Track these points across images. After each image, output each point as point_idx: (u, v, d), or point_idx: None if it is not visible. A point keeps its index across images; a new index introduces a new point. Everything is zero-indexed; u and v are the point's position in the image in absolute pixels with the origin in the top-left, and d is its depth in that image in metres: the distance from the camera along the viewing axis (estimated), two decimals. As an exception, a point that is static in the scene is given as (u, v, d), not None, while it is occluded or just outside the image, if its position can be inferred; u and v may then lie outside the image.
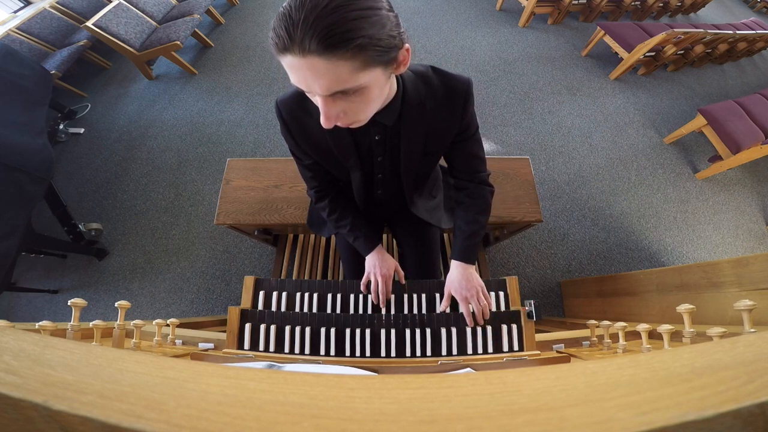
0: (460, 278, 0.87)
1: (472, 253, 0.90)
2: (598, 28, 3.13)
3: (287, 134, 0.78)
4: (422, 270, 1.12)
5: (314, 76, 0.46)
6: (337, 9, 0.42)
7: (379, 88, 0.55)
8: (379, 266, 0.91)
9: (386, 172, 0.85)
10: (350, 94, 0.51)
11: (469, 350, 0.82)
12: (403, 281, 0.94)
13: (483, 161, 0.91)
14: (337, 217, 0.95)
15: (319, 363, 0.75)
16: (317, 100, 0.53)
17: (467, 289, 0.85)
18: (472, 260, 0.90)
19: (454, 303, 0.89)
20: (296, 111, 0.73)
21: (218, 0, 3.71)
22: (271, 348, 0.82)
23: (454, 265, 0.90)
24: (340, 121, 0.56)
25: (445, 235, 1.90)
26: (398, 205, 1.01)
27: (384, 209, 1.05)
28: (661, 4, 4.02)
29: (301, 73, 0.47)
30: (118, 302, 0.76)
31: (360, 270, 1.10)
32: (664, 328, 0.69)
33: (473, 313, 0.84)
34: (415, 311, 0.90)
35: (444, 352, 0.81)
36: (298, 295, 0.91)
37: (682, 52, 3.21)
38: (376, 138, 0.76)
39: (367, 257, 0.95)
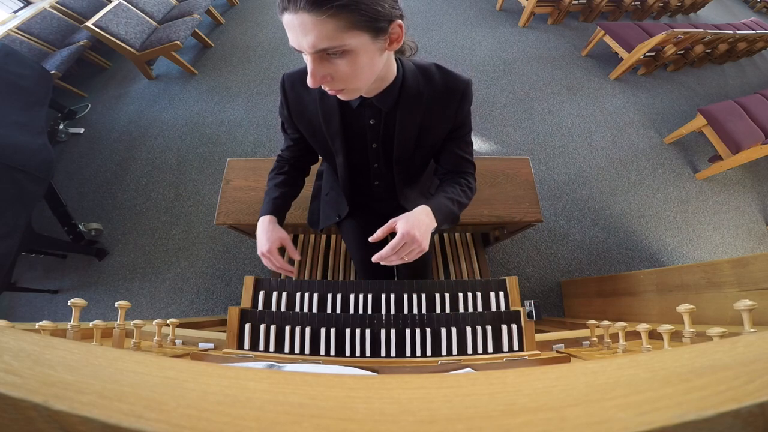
0: (417, 221, 0.68)
1: (441, 211, 0.75)
2: (598, 28, 3.13)
3: (284, 104, 0.81)
4: (416, 269, 1.13)
5: (303, 31, 0.51)
6: None
7: (367, 57, 0.56)
8: (260, 244, 0.83)
9: (381, 162, 0.86)
10: (336, 56, 0.54)
11: (469, 350, 0.81)
12: (297, 257, 0.85)
13: (472, 164, 0.89)
14: (274, 175, 0.93)
15: (319, 363, 0.75)
16: (309, 63, 0.56)
17: (412, 236, 0.66)
18: (438, 216, 0.74)
19: (454, 303, 0.90)
20: (297, 84, 0.77)
21: (218, 0, 3.71)
22: (271, 348, 0.82)
23: (421, 209, 0.72)
24: (327, 84, 0.59)
25: (446, 236, 1.90)
26: (398, 202, 1.01)
27: (384, 204, 1.06)
28: (661, 4, 4.02)
29: (294, 30, 0.51)
30: (118, 302, 0.76)
31: (367, 257, 1.11)
32: (664, 328, 0.69)
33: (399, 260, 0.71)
34: (415, 311, 0.90)
35: (444, 352, 0.81)
36: (298, 295, 0.91)
37: (682, 52, 3.21)
38: (371, 122, 0.77)
39: (260, 223, 0.87)
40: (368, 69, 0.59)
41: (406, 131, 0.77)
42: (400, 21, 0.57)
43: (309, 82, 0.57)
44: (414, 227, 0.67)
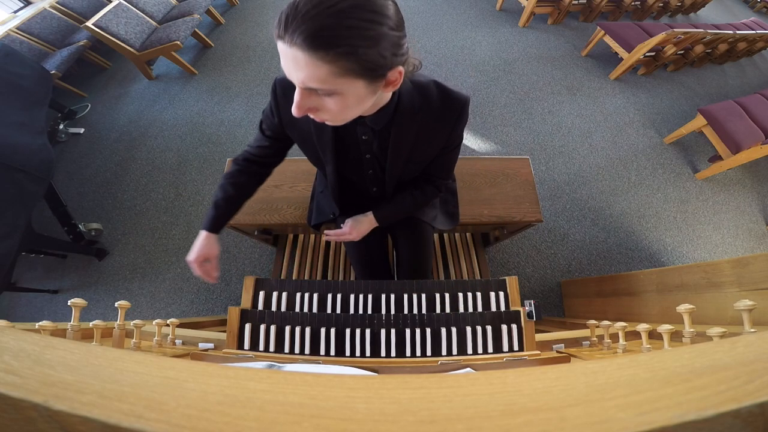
0: (359, 225, 0.97)
1: (384, 220, 0.99)
2: (598, 28, 3.13)
3: (274, 110, 0.78)
4: (414, 267, 1.13)
5: (295, 67, 0.49)
6: (338, 13, 0.44)
7: (357, 98, 0.55)
8: (192, 250, 0.90)
9: (376, 168, 0.87)
10: (325, 95, 0.52)
11: (469, 350, 0.82)
12: (214, 274, 0.92)
13: (447, 174, 0.94)
14: (228, 183, 0.91)
15: (319, 363, 0.75)
16: (296, 92, 0.54)
17: (350, 234, 0.97)
18: (381, 223, 0.99)
19: (454, 303, 0.90)
20: (289, 91, 0.73)
21: (218, 0, 3.71)
22: (271, 348, 0.82)
23: (369, 218, 0.98)
24: (312, 114, 0.58)
25: (446, 236, 1.90)
26: None
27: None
28: (661, 4, 4.02)
29: (286, 60, 0.49)
30: (118, 302, 0.76)
31: (364, 256, 1.12)
32: (664, 328, 0.69)
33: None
34: (415, 311, 0.90)
35: (444, 352, 0.81)
36: (298, 295, 0.91)
37: (682, 52, 3.20)
38: (363, 137, 0.77)
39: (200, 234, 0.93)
40: (356, 108, 0.57)
41: (399, 148, 0.78)
42: (401, 68, 0.54)
43: (294, 111, 0.55)
44: (353, 230, 0.97)
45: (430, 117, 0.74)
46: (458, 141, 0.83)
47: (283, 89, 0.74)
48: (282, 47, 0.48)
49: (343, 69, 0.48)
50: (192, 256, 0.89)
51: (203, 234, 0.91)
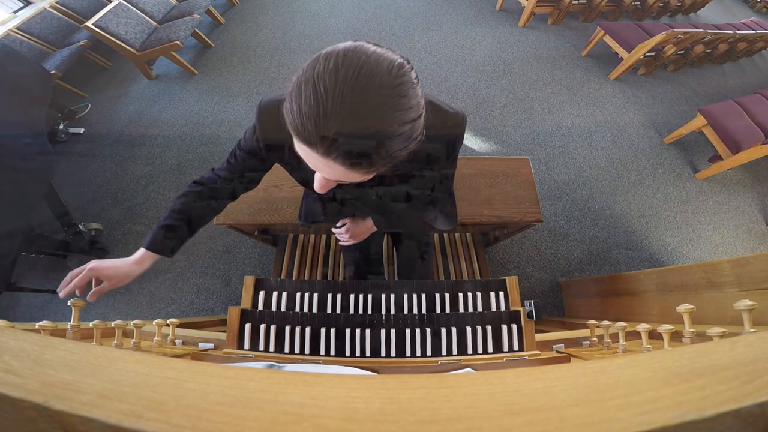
0: (361, 227, 0.99)
1: (380, 226, 1.00)
2: (598, 28, 3.13)
3: (260, 142, 0.71)
4: (413, 267, 1.13)
5: (328, 172, 0.47)
6: (375, 126, 0.40)
7: None
8: (104, 263, 0.73)
9: (375, 182, 0.86)
10: None
11: (469, 350, 0.82)
12: (92, 299, 0.71)
13: (449, 186, 0.93)
14: (180, 203, 0.85)
15: (319, 363, 0.75)
16: (320, 176, 0.53)
17: (353, 235, 0.99)
18: (379, 227, 0.99)
19: (454, 303, 0.90)
20: (277, 118, 0.62)
21: (218, 0, 3.71)
22: (271, 348, 0.82)
23: (368, 223, 0.99)
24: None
25: (446, 236, 1.90)
26: None
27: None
28: (661, 4, 4.02)
29: (316, 163, 0.47)
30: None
31: (359, 257, 1.13)
32: (664, 328, 0.69)
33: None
34: (415, 311, 0.90)
35: (444, 352, 0.81)
36: (298, 295, 0.91)
37: (682, 52, 3.21)
38: None
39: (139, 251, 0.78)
40: None
41: (398, 174, 0.78)
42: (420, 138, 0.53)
43: (317, 189, 0.55)
44: (351, 231, 0.98)
45: (428, 142, 0.72)
46: (455, 156, 0.83)
47: (271, 117, 0.65)
48: (310, 152, 0.44)
49: (378, 168, 0.47)
50: (96, 263, 0.71)
51: (142, 253, 0.76)
